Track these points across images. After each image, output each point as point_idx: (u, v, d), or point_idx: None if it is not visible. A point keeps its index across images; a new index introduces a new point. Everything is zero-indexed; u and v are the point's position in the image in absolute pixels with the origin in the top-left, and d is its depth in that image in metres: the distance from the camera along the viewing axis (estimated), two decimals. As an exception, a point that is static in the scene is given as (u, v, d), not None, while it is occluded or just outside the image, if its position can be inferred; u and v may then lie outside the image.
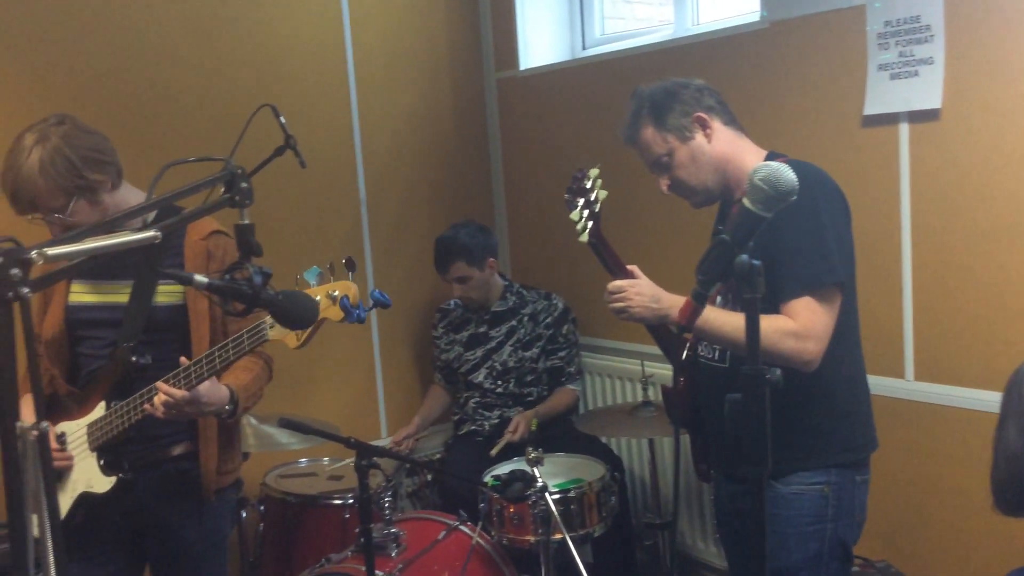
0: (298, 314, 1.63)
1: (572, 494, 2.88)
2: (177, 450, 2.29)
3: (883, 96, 2.81)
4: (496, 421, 3.69)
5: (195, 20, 3.47)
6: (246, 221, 1.61)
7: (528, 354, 3.71)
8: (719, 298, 2.17)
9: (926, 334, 2.81)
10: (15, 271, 1.14)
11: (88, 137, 2.14)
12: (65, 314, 2.28)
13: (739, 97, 2.26)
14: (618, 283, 2.15)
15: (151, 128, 3.33)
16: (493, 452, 3.40)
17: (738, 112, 2.25)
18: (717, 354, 2.18)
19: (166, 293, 2.24)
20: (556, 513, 2.69)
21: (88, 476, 2.21)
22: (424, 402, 3.93)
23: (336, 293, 1.72)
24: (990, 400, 2.66)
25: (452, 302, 3.88)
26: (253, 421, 3.12)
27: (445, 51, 4.18)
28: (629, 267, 2.19)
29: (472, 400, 3.76)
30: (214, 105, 3.49)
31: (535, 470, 2.70)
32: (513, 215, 4.31)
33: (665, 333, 2.27)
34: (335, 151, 3.85)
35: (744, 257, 1.34)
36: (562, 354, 3.77)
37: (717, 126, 2.18)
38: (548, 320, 3.76)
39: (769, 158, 2.17)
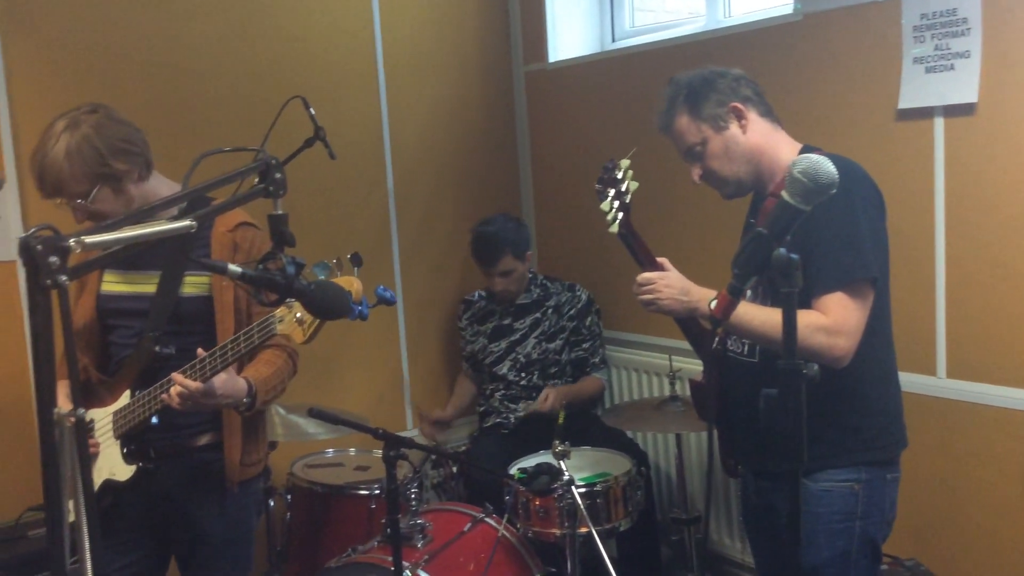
0: (330, 305, 1.63)
1: (598, 488, 2.88)
2: (202, 440, 2.30)
3: (918, 90, 2.77)
4: (521, 414, 3.69)
5: (228, 12, 3.49)
6: (280, 211, 1.61)
7: (552, 346, 3.70)
8: (748, 292, 2.15)
9: (959, 331, 2.77)
10: (53, 259, 1.15)
11: (119, 127, 2.16)
12: (97, 303, 2.30)
13: (771, 90, 2.23)
14: (647, 275, 2.14)
15: (183, 119, 3.36)
16: (523, 413, 3.38)
17: (772, 106, 2.23)
18: (747, 348, 2.16)
19: (193, 284, 2.25)
20: (582, 506, 2.68)
21: (111, 464, 2.23)
22: (455, 392, 3.94)
23: (320, 279, 1.71)
24: (1023, 398, 2.63)
25: (476, 293, 3.88)
26: (281, 411, 3.14)
27: (474, 44, 4.18)
28: (659, 259, 2.18)
29: (497, 393, 3.76)
30: (245, 97, 3.50)
31: (561, 463, 2.70)
32: (540, 208, 4.30)
33: (694, 326, 2.25)
34: (364, 143, 3.86)
35: (782, 251, 1.33)
36: (586, 345, 3.77)
37: (753, 117, 2.15)
38: (572, 312, 3.76)
39: (804, 151, 2.15)
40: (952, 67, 2.69)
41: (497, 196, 4.22)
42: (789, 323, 1.32)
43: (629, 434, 3.58)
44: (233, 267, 1.49)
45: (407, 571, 2.50)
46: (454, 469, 3.52)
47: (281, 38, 3.62)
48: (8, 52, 3.05)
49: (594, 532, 2.68)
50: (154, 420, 2.18)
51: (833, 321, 1.96)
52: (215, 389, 2.07)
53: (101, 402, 2.27)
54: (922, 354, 2.83)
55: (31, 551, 2.76)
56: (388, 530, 2.67)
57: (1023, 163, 2.57)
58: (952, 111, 2.71)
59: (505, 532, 2.86)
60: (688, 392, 2.81)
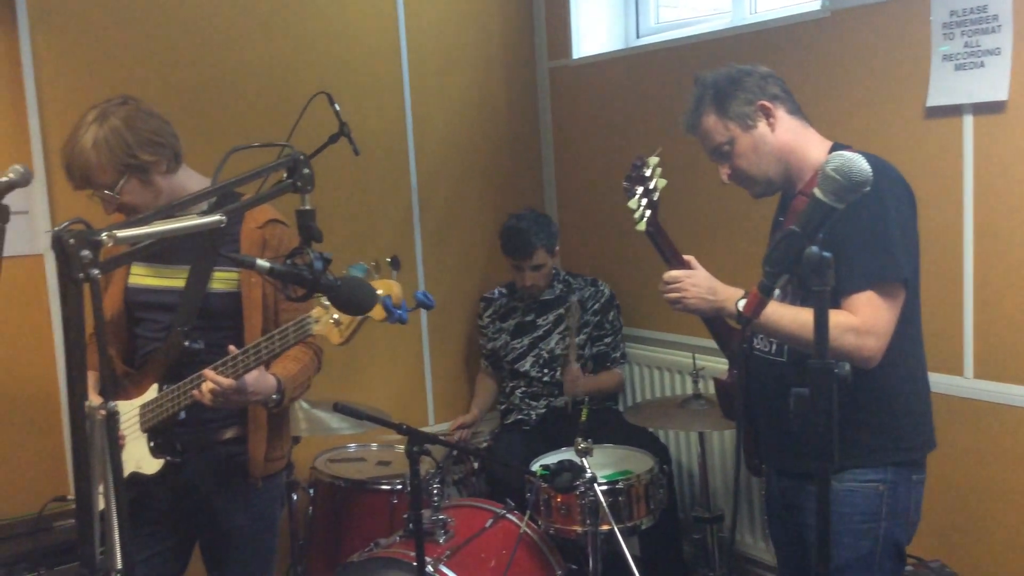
0: (356, 300, 1.64)
1: (620, 486, 2.87)
2: (227, 434, 2.31)
3: (947, 87, 2.75)
4: (543, 411, 3.70)
5: (253, 8, 3.50)
6: (307, 207, 1.61)
7: (575, 341, 3.70)
8: (777, 291, 2.13)
9: (986, 331, 2.75)
10: (86, 252, 1.16)
11: (148, 119, 2.17)
12: (124, 296, 2.31)
13: (798, 88, 2.21)
14: (674, 273, 2.12)
15: (207, 114, 3.37)
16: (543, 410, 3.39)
17: (799, 104, 2.21)
18: (774, 347, 2.15)
19: (221, 280, 2.26)
20: (604, 504, 2.68)
21: (137, 457, 2.24)
22: (476, 392, 3.94)
23: (380, 292, 1.71)
24: (1053, 400, 2.60)
25: (496, 291, 3.88)
26: (305, 405, 3.15)
27: (498, 40, 4.18)
28: (686, 257, 2.17)
29: (518, 390, 3.76)
30: (270, 92, 3.52)
31: (584, 460, 2.69)
32: (564, 205, 4.30)
33: (720, 324, 2.24)
34: (387, 139, 3.86)
35: (814, 248, 1.31)
36: (608, 340, 3.77)
37: (781, 115, 2.13)
38: (595, 307, 3.76)
39: (834, 149, 2.13)
40: (982, 64, 2.66)
41: (520, 193, 4.22)
42: (821, 322, 1.31)
43: (651, 432, 3.58)
44: (261, 262, 1.50)
45: (429, 566, 2.50)
46: (475, 465, 3.52)
47: (306, 34, 3.63)
48: (37, 48, 3.07)
49: (616, 530, 2.68)
50: (182, 415, 2.19)
51: (862, 321, 1.94)
52: (247, 386, 2.08)
53: (126, 394, 2.29)
54: (949, 354, 2.80)
55: (55, 542, 2.79)
56: (410, 525, 2.69)
57: (1054, 162, 2.54)
58: (982, 109, 2.68)
59: (527, 529, 2.86)
60: (712, 390, 2.81)
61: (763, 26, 3.31)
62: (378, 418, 2.44)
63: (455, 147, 4.07)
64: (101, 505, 1.25)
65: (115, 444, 1.18)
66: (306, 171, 1.60)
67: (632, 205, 2.18)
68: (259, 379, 2.11)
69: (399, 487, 3.05)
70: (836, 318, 1.93)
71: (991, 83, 2.64)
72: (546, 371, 3.71)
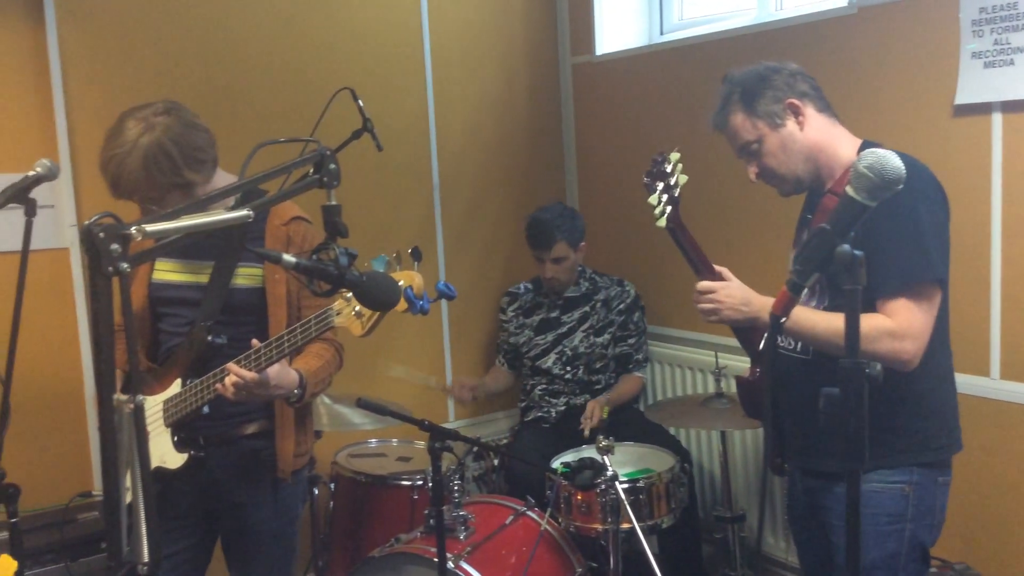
0: (381, 296, 1.64)
1: (641, 484, 2.87)
2: (250, 429, 2.32)
3: (976, 85, 2.72)
4: (563, 408, 3.69)
5: (277, 4, 3.52)
6: (333, 202, 1.62)
7: (600, 340, 3.70)
8: (804, 290, 2.12)
9: (1014, 331, 2.72)
10: (115, 246, 1.16)
11: (192, 134, 2.16)
12: (148, 291, 2.33)
13: (824, 85, 2.19)
14: (709, 284, 2.11)
15: (231, 109, 3.39)
16: (586, 434, 3.39)
17: (829, 101, 2.19)
18: (798, 345, 2.13)
19: (245, 276, 2.27)
20: (626, 502, 2.67)
21: (161, 451, 2.25)
22: (488, 374, 3.93)
23: (401, 283, 1.71)
24: (1081, 402, 2.57)
25: (522, 286, 3.88)
26: (327, 400, 3.16)
27: (521, 36, 4.17)
28: (718, 269, 2.15)
29: (538, 388, 3.76)
30: (293, 88, 3.53)
31: (605, 458, 2.69)
32: (586, 202, 4.29)
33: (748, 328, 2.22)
34: (410, 135, 3.87)
35: (845, 247, 1.30)
36: (631, 341, 3.76)
37: (810, 113, 2.12)
38: (621, 307, 3.75)
39: (864, 147, 2.11)
40: (1012, 62, 2.63)
41: (542, 189, 4.21)
42: (852, 321, 1.30)
43: (671, 431, 3.56)
44: (288, 257, 1.50)
45: (450, 562, 2.51)
46: (495, 462, 3.52)
47: (329, 30, 3.64)
48: (64, 44, 3.09)
49: (638, 528, 2.67)
50: (205, 409, 2.20)
51: (899, 324, 1.92)
52: (269, 380, 2.08)
53: (149, 390, 2.30)
54: (976, 355, 2.78)
55: (80, 534, 2.82)
56: (431, 521, 2.70)
57: (1085, 161, 2.51)
58: (1011, 107, 2.65)
59: (547, 527, 2.86)
60: (734, 389, 2.79)
61: (789, 23, 3.29)
62: (400, 414, 2.44)
63: (477, 143, 4.06)
64: (128, 499, 1.26)
65: (143, 437, 1.19)
66: (332, 166, 1.61)
67: (652, 201, 2.17)
68: (281, 373, 2.12)
69: (419, 483, 3.05)
70: (872, 322, 1.91)
71: (1020, 81, 2.61)
72: (569, 368, 3.70)
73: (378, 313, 1.80)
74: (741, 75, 2.16)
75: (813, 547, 2.28)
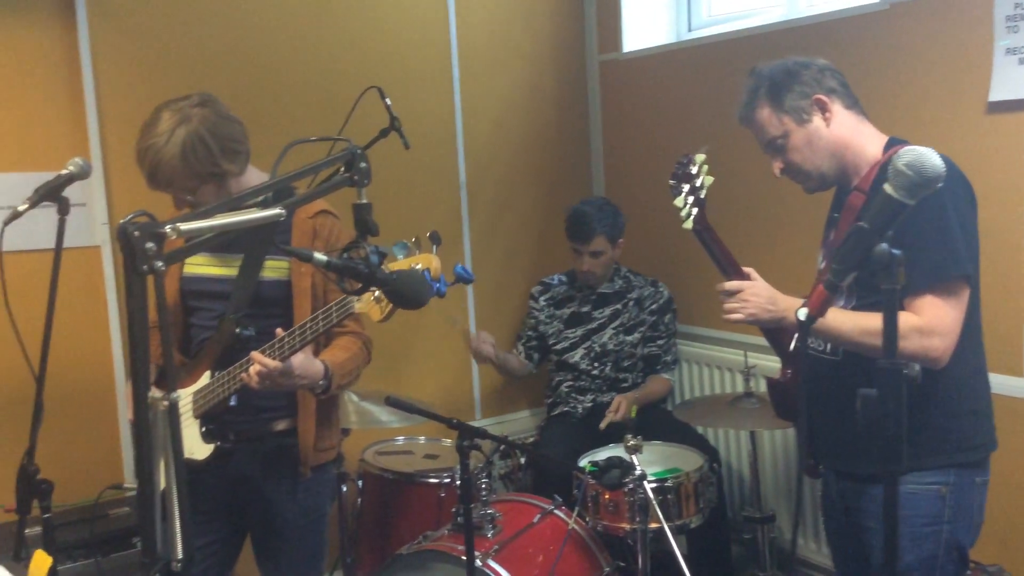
0: (411, 294, 1.63)
1: (669, 483, 2.85)
2: (280, 426, 2.34)
3: (1010, 81, 2.68)
4: (589, 405, 3.68)
5: (306, 5, 3.53)
6: (364, 200, 1.62)
7: (629, 338, 3.68)
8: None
9: (1049, 332, 2.68)
10: (150, 245, 1.17)
11: (227, 125, 2.19)
12: (180, 284, 2.35)
13: (855, 82, 2.17)
14: (735, 284, 2.09)
15: (259, 108, 3.40)
16: (602, 427, 3.39)
17: (857, 98, 2.17)
18: (828, 346, 2.11)
19: (272, 269, 2.29)
20: (655, 502, 2.66)
21: (190, 443, 2.27)
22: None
23: (418, 267, 1.72)
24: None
25: (556, 277, 3.87)
26: (355, 398, 3.17)
27: (548, 33, 4.16)
28: (745, 269, 2.14)
29: (565, 383, 3.75)
30: (321, 88, 3.54)
31: (633, 458, 2.67)
32: (611, 198, 4.24)
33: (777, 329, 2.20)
34: (437, 133, 3.87)
35: (884, 246, 1.29)
36: (660, 342, 3.74)
37: (837, 109, 2.10)
38: (653, 307, 3.73)
39: (890, 144, 2.09)
40: (1048, 58, 2.59)
41: (569, 188, 4.20)
42: (890, 321, 1.28)
43: (699, 430, 3.55)
44: (319, 255, 1.50)
45: (478, 560, 2.50)
46: (521, 460, 3.52)
47: (357, 29, 3.65)
48: (95, 44, 3.12)
49: (666, 528, 2.66)
50: (232, 401, 2.22)
51: (927, 321, 1.90)
52: (293, 369, 2.09)
53: (181, 383, 2.32)
54: (1008, 354, 2.74)
55: (110, 530, 2.84)
56: (459, 519, 2.70)
57: (1123, 158, 2.47)
58: (1046, 103, 2.62)
59: (575, 526, 2.85)
60: (763, 388, 2.77)
61: (819, 19, 3.26)
62: (429, 412, 2.45)
63: (504, 142, 4.06)
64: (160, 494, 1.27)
65: (177, 434, 1.20)
66: (363, 165, 1.61)
67: (678, 203, 2.16)
68: (305, 363, 2.13)
69: (447, 480, 3.06)
70: (899, 319, 1.89)
71: (1057, 77, 2.58)
72: (596, 365, 3.69)
73: None
74: (768, 69, 2.15)
75: (848, 549, 2.26)
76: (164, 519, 1.25)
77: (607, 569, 2.84)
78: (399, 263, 1.79)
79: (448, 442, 3.43)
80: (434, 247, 1.80)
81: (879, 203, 1.41)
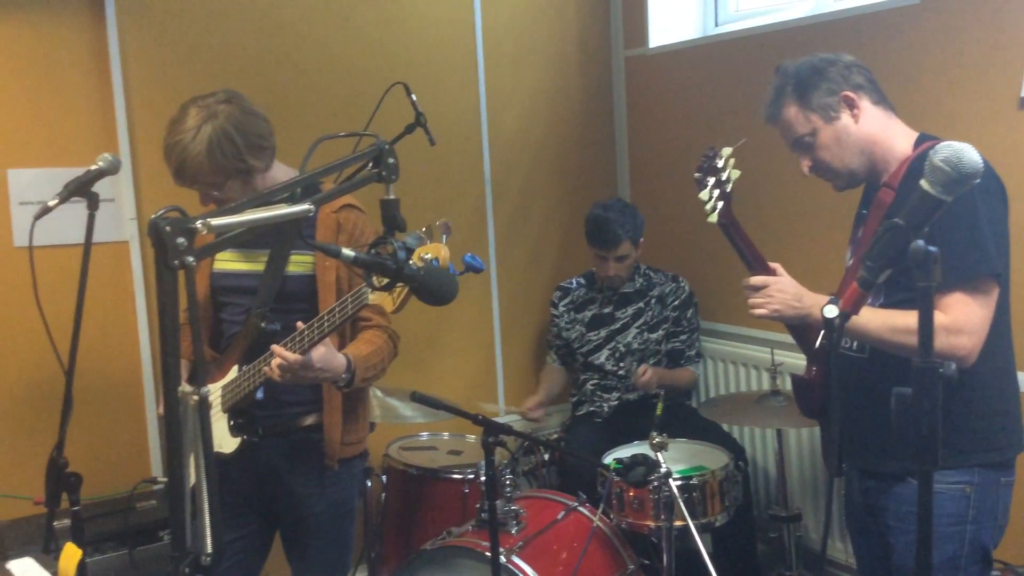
0: (439, 290, 1.63)
1: (694, 481, 2.84)
2: (307, 421, 2.35)
3: (1044, 77, 2.64)
4: (615, 403, 3.67)
5: (333, 2, 3.54)
6: (392, 196, 1.62)
7: (653, 336, 3.67)
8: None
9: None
10: (181, 240, 1.18)
11: (254, 121, 2.21)
12: (210, 281, 2.36)
13: (885, 78, 2.15)
14: (760, 279, 2.08)
15: (286, 104, 3.41)
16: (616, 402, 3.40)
17: (885, 94, 2.14)
18: (855, 344, 2.10)
19: (297, 263, 2.30)
20: (680, 500, 2.65)
21: (218, 437, 2.29)
22: (542, 379, 3.93)
23: (428, 256, 1.72)
24: None
25: (574, 281, 3.86)
26: (379, 393, 3.18)
27: (573, 29, 4.15)
28: (771, 264, 2.12)
29: (590, 383, 3.74)
30: (347, 84, 3.55)
31: (659, 455, 2.66)
32: (638, 197, 4.25)
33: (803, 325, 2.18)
34: (462, 129, 3.87)
35: (920, 243, 1.27)
36: (683, 337, 3.73)
37: (866, 106, 2.08)
38: (675, 303, 3.72)
39: (921, 140, 2.07)
40: (1083, 52, 2.55)
41: (594, 185, 4.19)
42: (925, 319, 1.27)
43: (725, 427, 3.53)
44: (347, 251, 1.51)
45: (502, 556, 2.50)
46: (545, 456, 3.51)
47: (383, 25, 3.65)
48: (124, 40, 3.14)
49: (692, 526, 2.64)
50: (259, 395, 2.23)
51: (954, 320, 1.88)
52: (313, 361, 2.10)
53: (211, 378, 2.34)
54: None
55: (140, 523, 2.86)
56: (483, 514, 2.70)
57: None
58: (1081, 99, 2.58)
59: (599, 523, 2.85)
60: (790, 387, 2.75)
61: (848, 13, 3.23)
62: (454, 408, 2.45)
63: (529, 138, 4.06)
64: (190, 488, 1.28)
65: (208, 430, 1.20)
66: (391, 161, 1.61)
67: (703, 196, 2.14)
68: (327, 356, 2.13)
69: (471, 476, 3.06)
70: None
71: (1092, 72, 2.54)
72: (621, 365, 3.68)
73: (407, 289, 1.79)
74: (795, 67, 2.13)
75: (870, 548, 2.24)
76: (194, 514, 1.26)
77: (631, 567, 2.84)
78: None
79: (472, 438, 3.44)
80: (444, 237, 1.80)
81: (915, 199, 1.40)
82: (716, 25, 4.05)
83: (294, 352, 2.08)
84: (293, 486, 2.36)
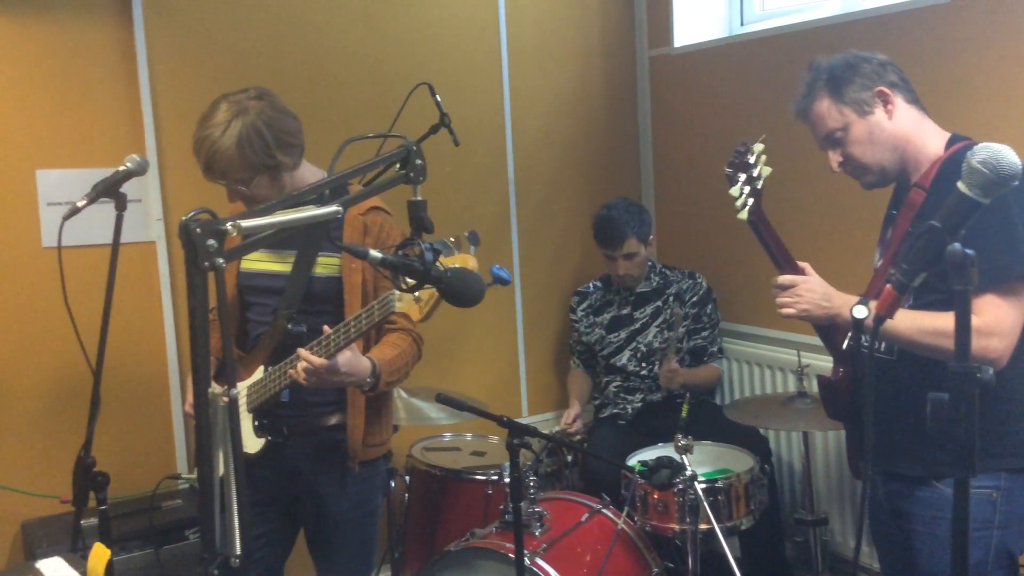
0: (466, 292, 1.63)
1: (719, 484, 2.82)
2: (330, 421, 2.35)
3: (1078, 76, 2.61)
4: (639, 405, 3.65)
5: (357, 3, 3.54)
6: (419, 197, 1.61)
7: (676, 334, 3.65)
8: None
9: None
10: (211, 242, 1.18)
11: (284, 118, 2.21)
12: (237, 281, 2.37)
13: (917, 77, 2.12)
14: (788, 278, 2.06)
15: (312, 105, 3.41)
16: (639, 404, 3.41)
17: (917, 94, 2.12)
18: (883, 345, 2.07)
19: (324, 265, 2.30)
20: (705, 503, 2.63)
21: (243, 437, 2.29)
22: (571, 385, 3.91)
23: (455, 266, 1.71)
24: None
25: (591, 285, 3.85)
26: (404, 395, 3.18)
27: (598, 28, 4.14)
28: (800, 264, 2.10)
29: (613, 384, 3.73)
30: (371, 85, 3.55)
31: (684, 458, 2.65)
32: (662, 197, 4.23)
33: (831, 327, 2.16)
34: (486, 129, 3.87)
35: (957, 246, 1.25)
36: (705, 334, 3.71)
37: (899, 103, 2.07)
38: (694, 299, 3.70)
39: (953, 141, 2.05)
40: (1118, 51, 2.51)
41: (617, 185, 4.18)
42: (963, 323, 1.25)
43: (752, 430, 3.49)
44: (374, 252, 1.50)
45: (526, 558, 2.49)
46: (568, 458, 3.50)
47: (407, 26, 3.65)
48: (151, 42, 3.16)
49: (718, 529, 2.63)
50: (285, 396, 2.23)
51: (985, 322, 1.85)
52: (339, 366, 2.10)
53: (238, 378, 2.34)
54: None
55: (165, 521, 2.88)
56: (507, 516, 2.69)
57: None
58: (1116, 99, 2.54)
59: (624, 526, 2.83)
60: (816, 388, 2.72)
61: (876, 12, 3.19)
62: (479, 410, 2.44)
63: (552, 138, 4.05)
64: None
65: (237, 430, 1.20)
66: (419, 162, 1.60)
67: (734, 193, 2.12)
68: (352, 360, 2.13)
69: (494, 478, 3.05)
70: (957, 319, 1.85)
71: None
72: (643, 365, 3.67)
73: (436, 299, 1.79)
74: (828, 62, 2.12)
75: (894, 552, 2.22)
76: (223, 514, 1.26)
77: (656, 570, 2.82)
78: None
79: (495, 439, 3.43)
80: (472, 247, 1.79)
81: (952, 201, 1.38)
82: (742, 24, 4.02)
83: (320, 356, 2.09)
84: (316, 486, 2.36)
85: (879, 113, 2.06)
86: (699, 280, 3.74)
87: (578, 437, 3.73)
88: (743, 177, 2.12)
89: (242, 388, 2.32)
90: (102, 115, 3.11)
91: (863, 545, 3.37)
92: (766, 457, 3.32)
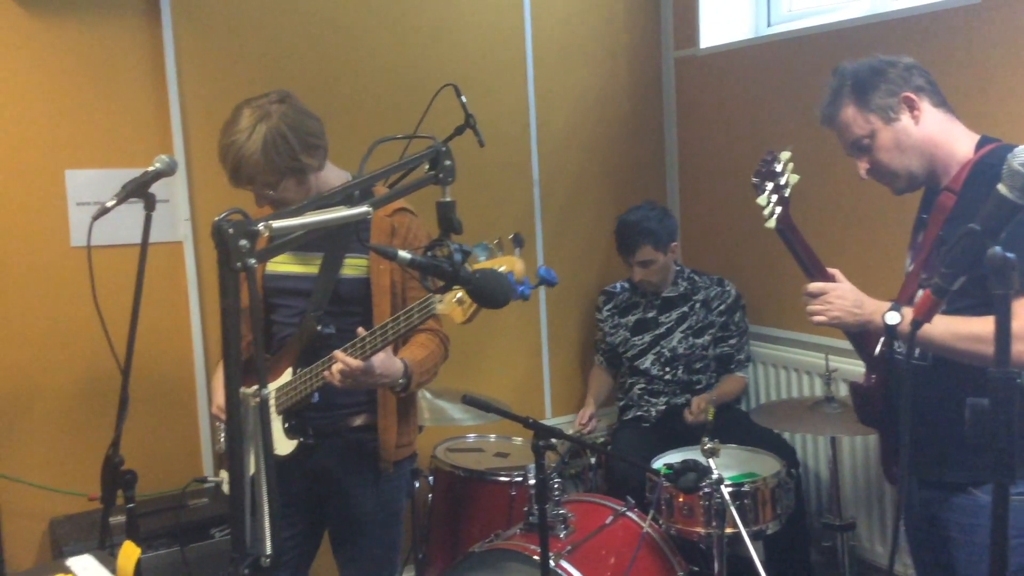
0: (494, 293, 1.62)
1: (745, 488, 2.80)
2: (358, 421, 2.36)
3: (1113, 77, 2.57)
4: (663, 407, 3.64)
5: (382, 5, 3.55)
6: (448, 199, 1.61)
7: (699, 341, 3.63)
8: (920, 292, 2.03)
9: None
10: (243, 242, 1.18)
11: (306, 120, 2.23)
12: (263, 282, 2.38)
13: (945, 79, 2.10)
14: (819, 285, 2.05)
15: (337, 106, 3.43)
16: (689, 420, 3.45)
17: (945, 96, 2.10)
18: (917, 351, 2.04)
19: (352, 267, 2.31)
20: (732, 507, 2.61)
21: (273, 438, 2.30)
22: (591, 384, 3.91)
23: (502, 269, 1.70)
24: None
25: (618, 285, 3.84)
26: (428, 395, 3.18)
27: (623, 29, 4.12)
28: (830, 270, 2.08)
29: (637, 387, 3.71)
30: (396, 86, 3.56)
31: (710, 461, 2.63)
32: (686, 199, 4.21)
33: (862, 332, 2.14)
34: (510, 131, 3.86)
35: (997, 249, 1.23)
36: (732, 341, 3.68)
37: (926, 107, 2.04)
38: (721, 307, 3.67)
39: (982, 143, 2.02)
40: None
41: (642, 187, 4.16)
42: (1003, 328, 1.23)
43: (779, 434, 3.47)
44: (403, 253, 1.50)
45: (551, 560, 2.48)
46: (591, 460, 3.49)
47: (433, 27, 3.66)
48: (179, 43, 3.18)
49: (744, 534, 2.61)
50: (315, 397, 2.24)
51: (1021, 326, 1.82)
52: (374, 367, 2.11)
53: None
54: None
55: (191, 520, 2.90)
56: (531, 518, 2.69)
57: None
58: None
59: (649, 529, 2.82)
60: (844, 393, 2.70)
61: (905, 14, 3.16)
62: (504, 411, 2.44)
63: (577, 140, 4.04)
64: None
65: (268, 430, 1.20)
66: (448, 163, 1.60)
67: (761, 202, 2.11)
68: (386, 362, 2.14)
69: (518, 479, 3.04)
70: (991, 324, 1.82)
71: None
72: (667, 369, 3.65)
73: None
74: (852, 68, 2.10)
75: (931, 560, 2.19)
76: (254, 514, 1.26)
77: (681, 574, 2.80)
78: (481, 265, 1.78)
79: (519, 440, 3.43)
80: (517, 249, 1.79)
81: (991, 204, 1.36)
82: (768, 25, 3.99)
83: (355, 357, 2.09)
84: (346, 487, 2.37)
85: (905, 119, 2.04)
86: (727, 287, 3.71)
87: (601, 439, 3.72)
88: (770, 186, 2.11)
89: (271, 390, 2.32)
90: (130, 116, 3.14)
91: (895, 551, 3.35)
92: (792, 462, 3.29)
